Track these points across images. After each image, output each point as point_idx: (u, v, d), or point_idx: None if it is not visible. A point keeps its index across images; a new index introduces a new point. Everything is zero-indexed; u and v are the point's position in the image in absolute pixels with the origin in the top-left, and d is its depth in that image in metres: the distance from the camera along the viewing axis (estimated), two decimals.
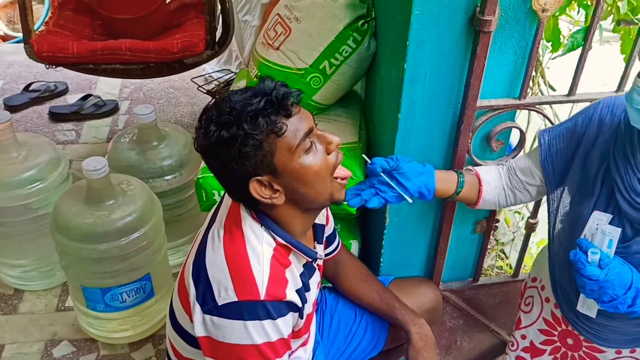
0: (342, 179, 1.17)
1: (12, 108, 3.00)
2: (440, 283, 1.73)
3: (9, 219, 1.90)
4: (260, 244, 1.11)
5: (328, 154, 1.12)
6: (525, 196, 1.40)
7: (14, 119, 1.86)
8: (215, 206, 1.27)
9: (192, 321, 1.12)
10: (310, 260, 1.21)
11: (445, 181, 1.37)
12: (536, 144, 1.99)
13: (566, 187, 1.28)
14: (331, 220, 1.44)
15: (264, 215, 1.14)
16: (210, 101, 1.12)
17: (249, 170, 1.06)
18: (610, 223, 1.18)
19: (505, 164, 1.42)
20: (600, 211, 1.19)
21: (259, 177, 1.07)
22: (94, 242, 1.63)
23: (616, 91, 1.44)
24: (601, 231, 1.17)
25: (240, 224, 1.13)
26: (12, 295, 2.06)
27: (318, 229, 1.31)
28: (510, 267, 2.32)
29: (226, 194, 1.25)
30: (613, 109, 1.22)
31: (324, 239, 1.38)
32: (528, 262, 2.22)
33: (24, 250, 2.00)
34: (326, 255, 1.46)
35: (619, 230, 1.16)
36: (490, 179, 1.39)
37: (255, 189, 1.08)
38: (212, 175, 1.60)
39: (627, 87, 1.24)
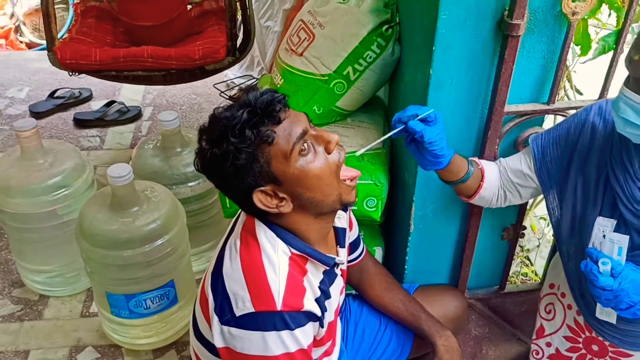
0: (351, 180, 1.14)
1: (37, 115, 3.04)
2: (466, 291, 1.71)
3: (34, 225, 1.91)
4: (275, 253, 1.10)
5: (329, 153, 1.09)
6: (515, 197, 1.38)
7: (39, 126, 1.88)
8: (236, 214, 1.26)
9: (212, 331, 1.12)
10: (328, 268, 1.19)
11: (458, 164, 1.33)
12: None
13: (565, 192, 1.25)
14: (355, 226, 1.42)
15: (275, 225, 1.13)
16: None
17: (250, 182, 1.05)
18: (616, 231, 1.16)
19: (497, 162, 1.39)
20: (605, 217, 1.17)
21: (261, 188, 1.06)
22: (118, 249, 1.64)
23: None
24: (609, 239, 1.14)
25: (255, 233, 1.12)
26: (38, 301, 2.08)
27: (340, 233, 1.29)
28: (536, 274, 2.29)
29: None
30: (604, 115, 1.19)
31: (348, 244, 1.37)
32: None
33: (49, 256, 2.01)
34: (350, 261, 1.44)
35: (627, 237, 1.14)
36: (492, 176, 1.37)
37: (261, 200, 1.07)
38: None
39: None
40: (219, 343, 1.09)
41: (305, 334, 1.10)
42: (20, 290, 2.12)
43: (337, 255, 1.26)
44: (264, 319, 1.05)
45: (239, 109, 1.03)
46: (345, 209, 1.34)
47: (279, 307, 1.05)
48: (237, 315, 1.06)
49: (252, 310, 1.05)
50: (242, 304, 1.06)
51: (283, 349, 1.07)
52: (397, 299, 1.43)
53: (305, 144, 1.05)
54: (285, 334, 1.06)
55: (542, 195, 2.17)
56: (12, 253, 2.14)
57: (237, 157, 1.02)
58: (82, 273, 2.05)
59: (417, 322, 1.40)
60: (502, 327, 1.78)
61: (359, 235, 1.45)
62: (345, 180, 1.12)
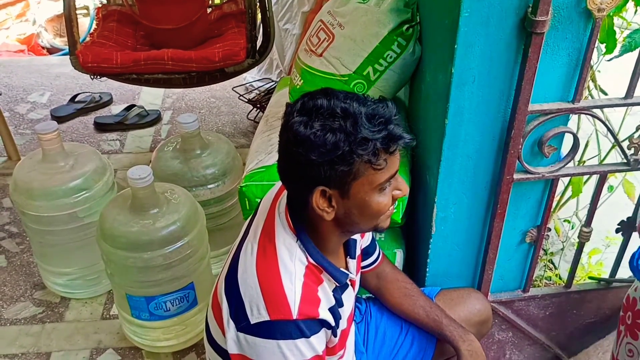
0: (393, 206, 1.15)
1: (58, 119, 3.07)
2: (489, 294, 1.68)
3: (55, 228, 1.93)
4: (292, 262, 1.09)
5: (393, 198, 1.10)
6: None
7: (60, 129, 1.90)
8: (250, 217, 1.25)
9: (224, 336, 1.11)
10: (338, 284, 1.18)
11: None
12: (589, 152, 1.93)
13: None
14: (369, 233, 1.40)
15: (303, 227, 1.11)
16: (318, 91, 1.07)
17: (323, 177, 1.01)
18: None
19: None
20: None
21: (326, 188, 1.03)
22: (138, 251, 1.64)
23: None
24: None
25: (274, 239, 1.10)
26: (59, 303, 2.09)
27: (351, 243, 1.27)
28: (560, 278, 2.24)
29: (262, 203, 1.23)
30: None
31: (359, 252, 1.35)
32: (580, 272, 2.14)
33: (70, 259, 2.02)
34: (364, 267, 1.43)
35: None
36: None
37: (316, 197, 1.04)
38: (255, 183, 1.60)
39: None
40: (232, 349, 1.09)
41: (319, 340, 1.09)
42: (41, 292, 2.13)
43: (346, 265, 1.24)
44: (280, 328, 1.04)
45: (374, 117, 1.00)
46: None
47: (294, 316, 1.04)
48: (252, 322, 1.05)
49: (268, 318, 1.04)
50: (257, 312, 1.05)
51: (299, 356, 1.06)
52: (417, 306, 1.41)
53: (388, 184, 1.07)
54: (301, 342, 1.05)
55: (566, 197, 2.15)
56: (33, 256, 2.16)
57: (342, 157, 0.99)
58: (103, 276, 2.06)
59: (439, 328, 1.38)
60: (525, 331, 1.75)
61: (373, 241, 1.43)
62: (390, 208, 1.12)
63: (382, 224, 1.13)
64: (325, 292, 1.13)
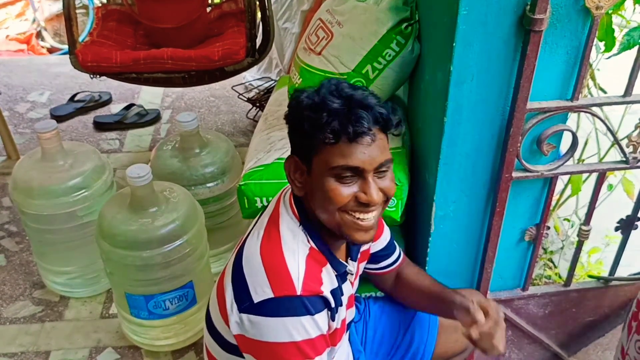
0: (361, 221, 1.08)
1: (58, 118, 3.07)
2: (488, 292, 1.68)
3: (54, 227, 1.93)
4: (295, 242, 1.10)
5: (358, 200, 1.05)
6: None
7: (60, 129, 1.90)
8: (258, 215, 1.25)
9: (227, 325, 1.10)
10: (337, 273, 1.17)
11: None
12: (589, 151, 1.92)
13: None
14: (384, 235, 1.40)
15: (306, 216, 1.13)
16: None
17: (294, 146, 1.10)
18: None
19: None
20: None
21: (297, 159, 1.09)
22: (137, 249, 1.64)
23: None
24: None
25: (279, 224, 1.12)
26: (58, 302, 2.09)
27: (352, 247, 1.26)
28: (559, 277, 2.24)
29: (270, 203, 1.24)
30: None
31: (365, 257, 1.35)
32: (579, 271, 2.14)
33: (69, 258, 2.02)
34: (382, 268, 1.43)
35: None
36: None
37: (289, 164, 1.11)
38: (254, 181, 1.60)
39: None
40: (235, 330, 1.08)
41: (323, 319, 1.09)
42: (41, 291, 2.13)
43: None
44: (284, 304, 1.03)
45: (354, 100, 1.03)
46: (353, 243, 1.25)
47: (298, 292, 1.04)
48: (256, 301, 1.04)
49: (272, 295, 1.03)
50: (261, 290, 1.04)
51: (304, 334, 1.05)
52: (426, 278, 1.42)
53: (350, 177, 1.04)
54: (306, 319, 1.04)
55: (565, 195, 2.15)
56: (33, 254, 2.16)
57: (305, 121, 1.04)
58: (102, 275, 2.06)
59: (450, 295, 1.30)
60: (525, 330, 1.75)
61: (391, 243, 1.42)
62: (348, 213, 1.07)
63: (347, 229, 1.08)
64: (329, 273, 1.13)
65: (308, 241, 1.12)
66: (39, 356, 1.89)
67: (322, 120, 1.01)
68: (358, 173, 1.04)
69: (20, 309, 2.06)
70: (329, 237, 1.14)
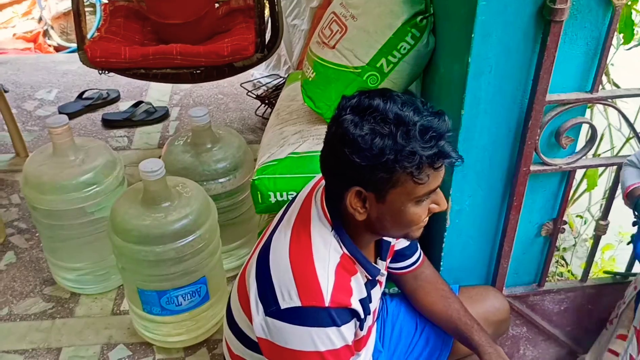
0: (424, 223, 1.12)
1: (66, 115, 3.05)
2: (504, 288, 1.66)
3: (65, 222, 1.92)
4: (327, 250, 1.08)
5: (429, 210, 1.08)
6: None
7: None
8: (283, 208, 1.23)
9: (250, 321, 1.09)
10: (370, 278, 1.16)
11: None
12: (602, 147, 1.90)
13: None
14: None
15: (339, 219, 1.10)
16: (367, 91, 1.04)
17: (362, 179, 1.00)
18: None
19: None
20: None
21: (363, 190, 1.02)
22: (150, 244, 1.63)
23: None
24: None
25: (309, 227, 1.09)
26: (69, 299, 2.08)
27: (383, 245, 1.25)
28: (572, 274, 2.23)
29: (299, 194, 1.22)
30: None
31: (390, 254, 1.33)
32: (593, 268, 2.12)
33: (80, 254, 2.01)
34: (404, 268, 1.41)
35: None
36: None
37: (351, 196, 1.03)
38: (267, 176, 1.59)
39: None
40: (260, 333, 1.07)
41: (349, 330, 1.08)
42: (51, 288, 2.12)
43: (376, 264, 1.23)
44: (311, 315, 1.03)
45: (427, 130, 0.97)
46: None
47: (326, 304, 1.03)
48: (283, 307, 1.03)
49: (299, 304, 1.03)
50: (289, 297, 1.03)
51: (329, 345, 1.04)
52: (452, 308, 1.38)
53: (427, 197, 1.05)
54: (331, 330, 1.04)
55: (580, 191, 2.13)
56: (43, 251, 2.15)
57: (385, 165, 0.97)
58: (112, 271, 2.05)
59: (469, 332, 1.33)
60: (540, 326, 1.73)
61: (413, 244, 1.41)
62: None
63: (413, 233, 1.11)
64: (358, 283, 1.12)
65: (340, 247, 1.10)
66: (50, 353, 1.88)
67: (413, 162, 0.97)
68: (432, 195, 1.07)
69: (30, 305, 2.05)
70: (360, 238, 1.13)
